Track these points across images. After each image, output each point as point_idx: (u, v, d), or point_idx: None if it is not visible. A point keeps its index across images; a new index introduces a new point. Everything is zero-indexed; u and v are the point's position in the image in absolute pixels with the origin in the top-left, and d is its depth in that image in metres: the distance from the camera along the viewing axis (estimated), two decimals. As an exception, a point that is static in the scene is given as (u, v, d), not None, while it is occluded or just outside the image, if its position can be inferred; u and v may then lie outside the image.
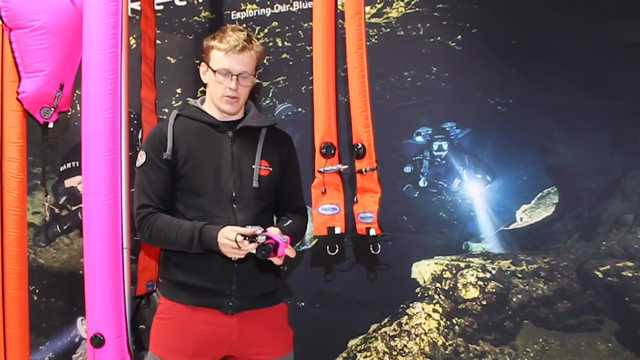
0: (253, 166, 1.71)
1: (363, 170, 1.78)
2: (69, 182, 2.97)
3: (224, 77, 1.68)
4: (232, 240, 1.52)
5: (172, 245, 1.67)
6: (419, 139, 2.42)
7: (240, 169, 1.71)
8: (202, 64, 1.76)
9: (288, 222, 1.75)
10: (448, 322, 2.32)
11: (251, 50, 1.69)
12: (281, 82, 2.62)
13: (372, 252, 1.79)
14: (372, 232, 1.77)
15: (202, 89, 2.77)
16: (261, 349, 1.73)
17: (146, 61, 2.36)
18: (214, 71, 1.69)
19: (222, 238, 1.56)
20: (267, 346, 1.74)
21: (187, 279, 1.69)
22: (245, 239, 1.51)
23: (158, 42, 2.45)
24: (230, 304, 1.68)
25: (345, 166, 1.83)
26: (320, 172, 1.81)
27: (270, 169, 1.75)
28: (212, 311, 1.68)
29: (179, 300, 1.71)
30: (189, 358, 1.67)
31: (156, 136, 1.73)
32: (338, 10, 1.86)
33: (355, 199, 1.82)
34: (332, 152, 1.81)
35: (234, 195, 1.69)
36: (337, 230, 1.80)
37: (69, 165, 2.95)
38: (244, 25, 2.63)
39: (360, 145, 1.78)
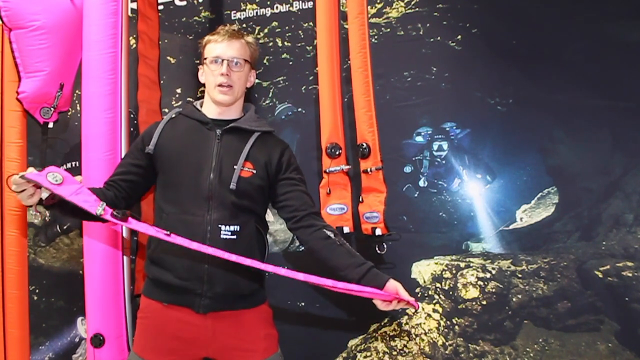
0: (235, 166, 1.68)
1: (368, 170, 1.78)
2: (69, 182, 2.96)
3: (216, 64, 1.70)
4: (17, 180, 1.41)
5: None
6: (419, 139, 2.42)
7: (221, 168, 1.67)
8: (200, 65, 1.77)
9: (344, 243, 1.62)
10: (448, 322, 2.32)
11: (241, 38, 1.72)
12: (281, 82, 2.61)
13: (378, 251, 1.79)
14: (378, 231, 1.76)
15: (202, 89, 2.76)
16: (239, 352, 1.69)
17: (147, 62, 2.35)
18: (207, 61, 1.71)
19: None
20: (246, 349, 1.70)
21: (161, 275, 1.68)
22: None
23: (158, 42, 2.45)
24: (201, 302, 1.65)
25: (348, 167, 1.83)
26: (326, 172, 1.81)
27: (254, 172, 1.69)
28: (185, 310, 1.66)
29: (154, 298, 1.71)
30: (165, 357, 1.67)
31: (146, 131, 1.76)
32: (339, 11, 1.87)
33: (360, 199, 1.81)
34: (338, 152, 1.81)
35: (209, 193, 1.67)
36: (346, 230, 1.80)
37: (69, 165, 2.94)
38: (244, 25, 2.64)
39: (365, 145, 1.78)
